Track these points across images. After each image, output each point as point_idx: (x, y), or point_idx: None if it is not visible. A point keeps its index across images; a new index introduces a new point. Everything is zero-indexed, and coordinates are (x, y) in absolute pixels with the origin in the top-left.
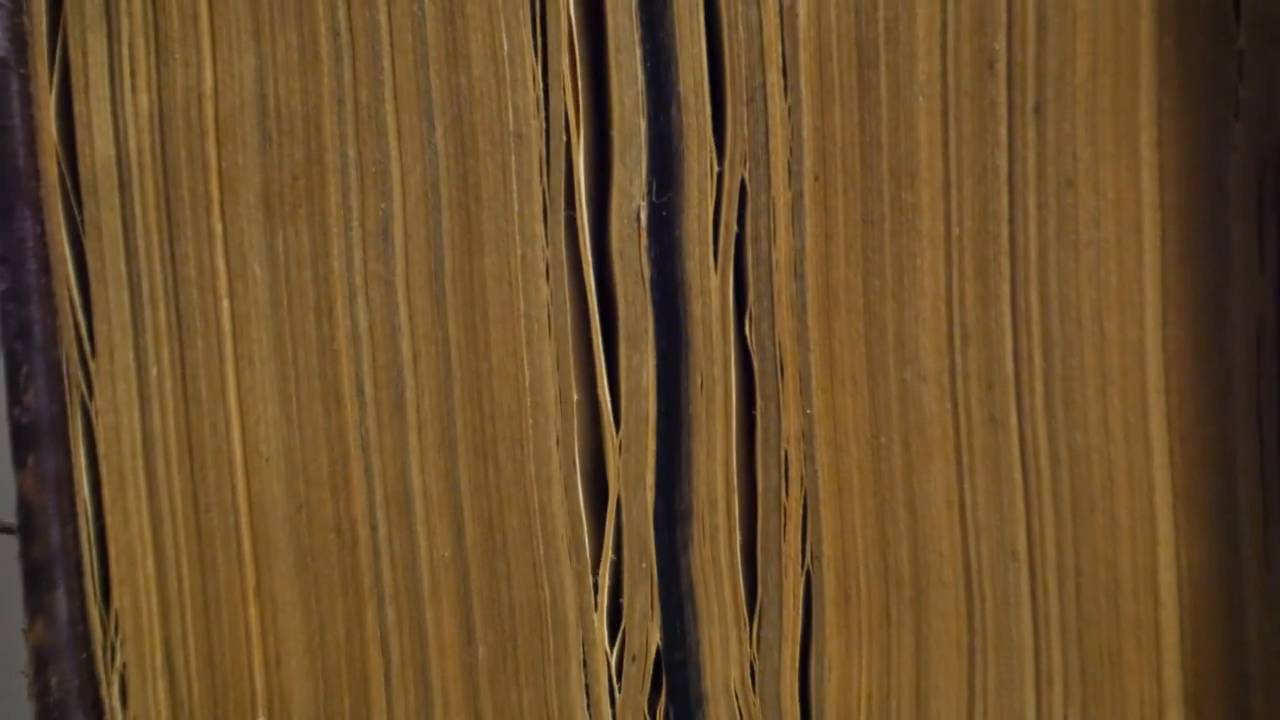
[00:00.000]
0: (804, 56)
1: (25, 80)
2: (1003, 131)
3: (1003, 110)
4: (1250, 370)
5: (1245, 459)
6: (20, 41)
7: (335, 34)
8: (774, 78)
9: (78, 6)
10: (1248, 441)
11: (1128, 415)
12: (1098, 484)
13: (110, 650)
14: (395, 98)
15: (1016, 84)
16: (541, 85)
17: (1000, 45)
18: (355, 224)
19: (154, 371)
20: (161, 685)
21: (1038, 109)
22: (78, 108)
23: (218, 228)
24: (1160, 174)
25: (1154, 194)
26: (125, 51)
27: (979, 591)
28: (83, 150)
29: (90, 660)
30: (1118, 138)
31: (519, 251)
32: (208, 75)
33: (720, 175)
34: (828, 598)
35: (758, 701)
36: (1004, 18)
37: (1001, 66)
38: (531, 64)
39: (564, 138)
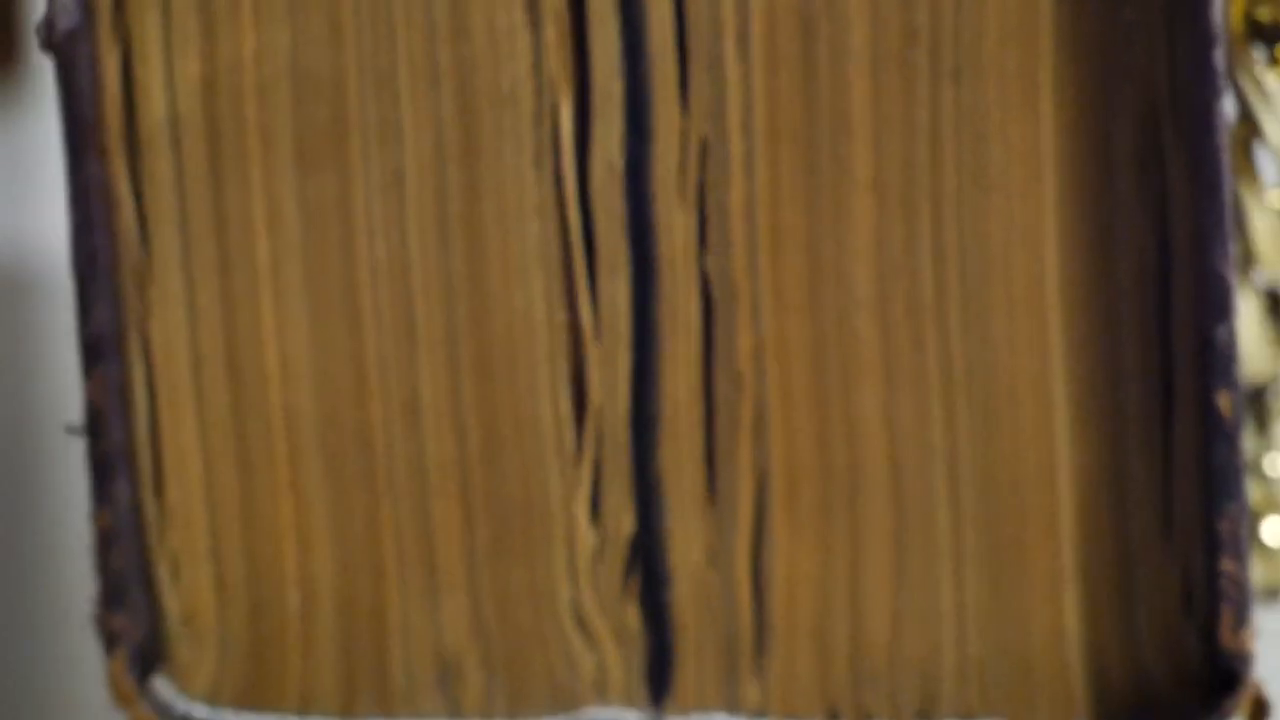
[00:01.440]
0: (755, 29)
1: (93, 48)
2: (924, 93)
3: (925, 75)
4: (1135, 294)
5: (1132, 370)
6: (89, 16)
7: (357, 12)
8: (730, 48)
9: None
10: (1134, 355)
11: (1031, 335)
12: (1004, 395)
13: (162, 535)
14: (409, 66)
15: (936, 52)
16: (532, 55)
17: (923, 19)
18: (374, 173)
19: (201, 298)
20: (207, 567)
21: (955, 74)
22: (137, 72)
23: (256, 175)
24: (1057, 129)
25: (1052, 146)
26: (177, 25)
27: (905, 487)
28: (141, 109)
29: (145, 544)
30: (1023, 98)
31: (513, 196)
32: (248, 46)
33: (685, 131)
34: (775, 492)
35: (716, 578)
36: None
37: (924, 37)
38: (524, 37)
39: (552, 99)
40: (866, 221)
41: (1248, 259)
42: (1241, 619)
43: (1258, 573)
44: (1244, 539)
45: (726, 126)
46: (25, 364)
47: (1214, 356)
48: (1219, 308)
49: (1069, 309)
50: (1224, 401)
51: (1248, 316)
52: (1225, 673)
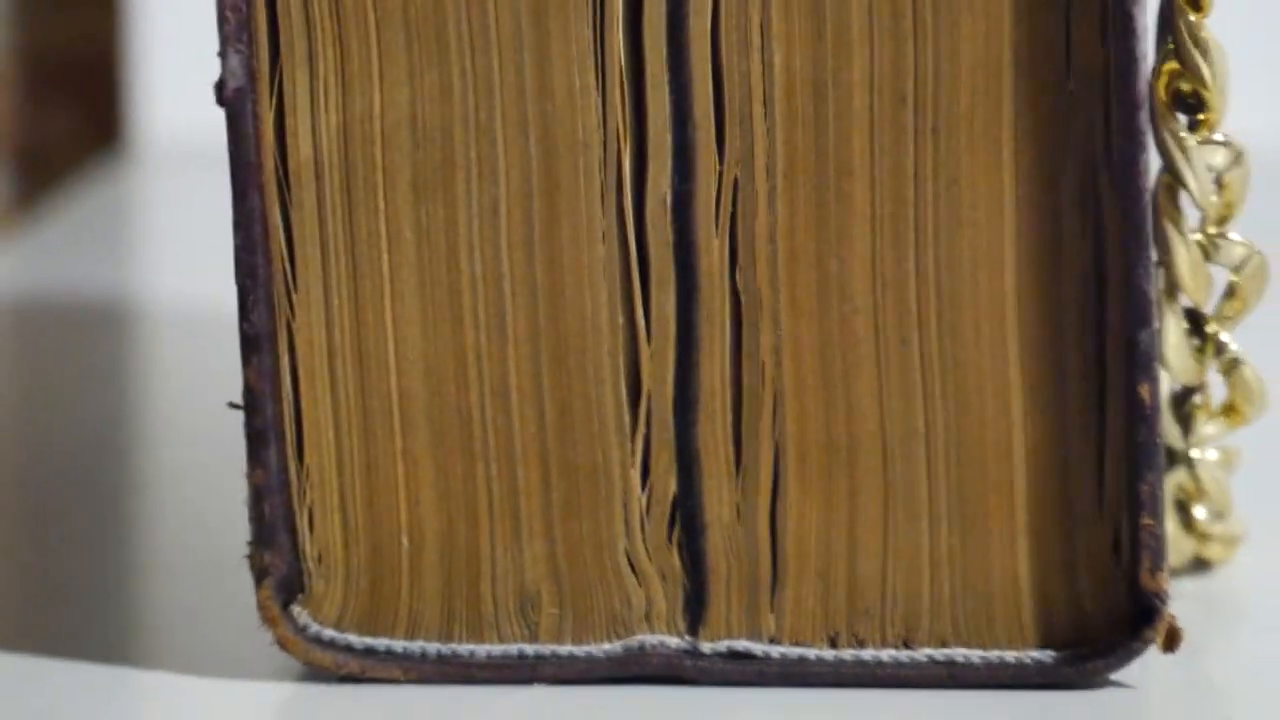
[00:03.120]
0: (777, 94)
1: (254, 102)
2: (910, 145)
3: (911, 131)
4: (1076, 307)
5: (1073, 367)
6: (251, 75)
7: (462, 74)
8: (758, 108)
9: (289, 52)
10: (1075, 355)
11: (993, 339)
12: (972, 386)
13: (302, 492)
14: (503, 118)
15: (920, 113)
16: (601, 112)
17: (909, 86)
18: (475, 203)
19: (336, 302)
20: (336, 518)
21: (934, 130)
22: (289, 122)
23: (380, 205)
24: (1016, 176)
25: (1012, 189)
26: (320, 85)
27: (892, 457)
28: (291, 152)
29: (289, 498)
30: (988, 151)
31: (584, 223)
32: (376, 102)
33: (720, 173)
34: (789, 461)
35: (741, 530)
36: (912, 67)
37: (910, 101)
38: (594, 97)
39: (616, 147)
40: (864, 245)
41: (1173, 286)
42: (1158, 564)
43: (1188, 547)
44: (1160, 501)
45: (754, 170)
46: (131, 378)
47: (1138, 355)
48: (1141, 316)
49: (1024, 319)
50: (1145, 391)
51: (1173, 331)
52: (1146, 608)
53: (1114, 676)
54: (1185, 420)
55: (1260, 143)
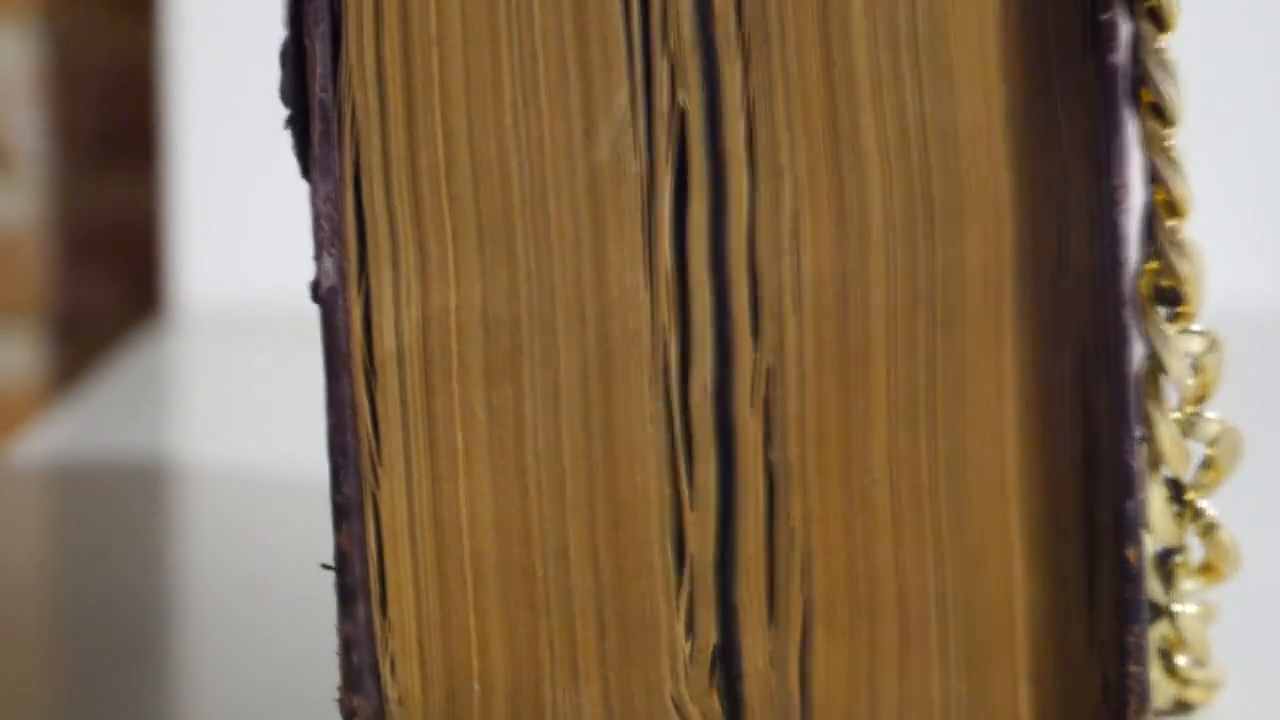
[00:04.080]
0: (806, 292)
1: (345, 298)
2: (923, 337)
3: (924, 324)
4: (1070, 481)
5: (1067, 534)
6: (343, 278)
7: (528, 275)
8: (789, 305)
9: (375, 254)
10: (1069, 523)
11: (995, 508)
12: (977, 550)
13: (386, 642)
14: (564, 311)
15: (932, 309)
16: (650, 307)
17: (924, 286)
18: (538, 387)
19: (415, 475)
20: (415, 665)
21: (945, 325)
22: (374, 316)
23: (455, 389)
24: (1015, 364)
25: (1012, 376)
26: (403, 282)
27: (908, 612)
28: (376, 342)
29: (374, 648)
30: (991, 342)
31: (636, 405)
32: (452, 298)
33: (756, 362)
34: (817, 615)
35: (774, 676)
36: (924, 268)
37: (923, 298)
38: (645, 293)
39: (664, 339)
40: (881, 425)
41: (1156, 459)
42: (1143, 706)
43: (1171, 691)
44: (1145, 650)
45: (784, 358)
46: (173, 537)
47: (1125, 522)
48: (1128, 488)
49: (1023, 490)
50: (1131, 555)
51: (1156, 499)
52: None
53: None
54: (1167, 577)
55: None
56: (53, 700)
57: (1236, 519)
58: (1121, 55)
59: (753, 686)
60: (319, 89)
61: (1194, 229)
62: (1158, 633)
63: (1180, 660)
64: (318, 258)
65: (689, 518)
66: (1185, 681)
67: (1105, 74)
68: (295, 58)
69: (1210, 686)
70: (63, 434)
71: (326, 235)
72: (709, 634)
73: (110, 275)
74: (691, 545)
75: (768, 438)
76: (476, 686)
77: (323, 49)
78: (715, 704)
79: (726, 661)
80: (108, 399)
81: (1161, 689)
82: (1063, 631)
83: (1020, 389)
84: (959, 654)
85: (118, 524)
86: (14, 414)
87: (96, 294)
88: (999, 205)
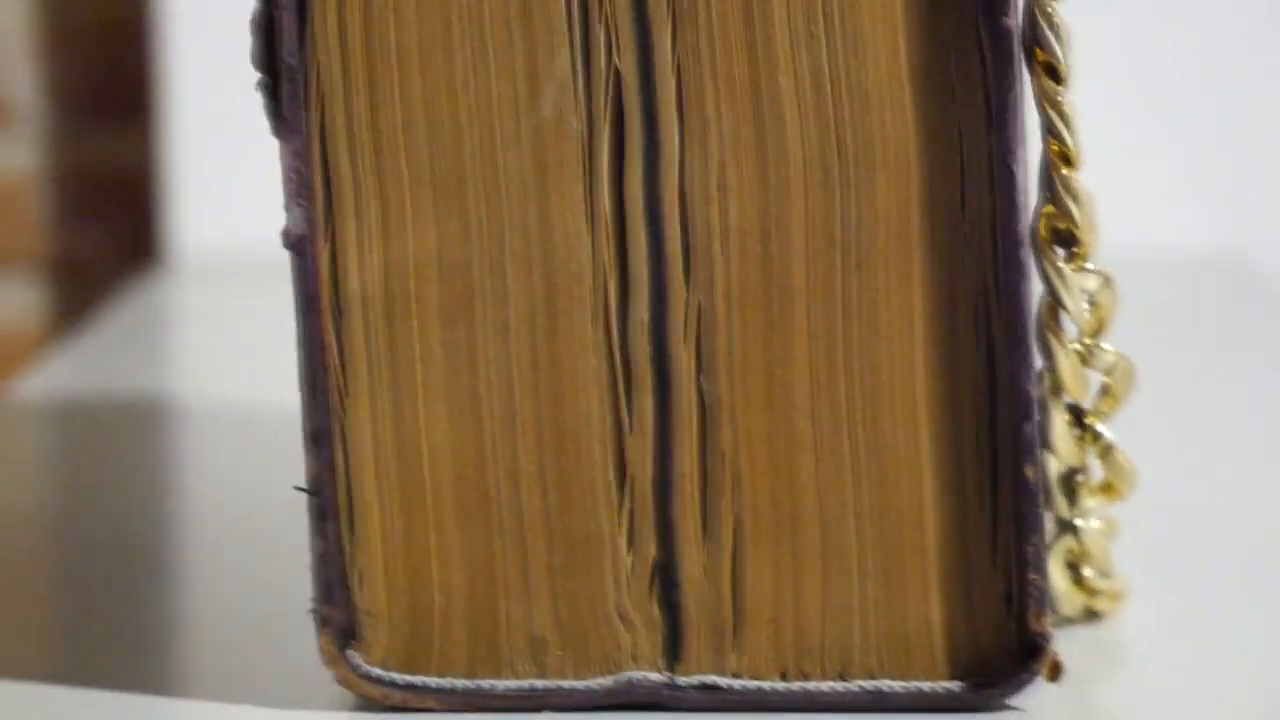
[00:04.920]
0: (733, 236)
1: (313, 245)
2: (839, 277)
3: (839, 266)
4: (974, 407)
5: (971, 455)
6: (310, 224)
7: (479, 220)
8: (717, 248)
9: (340, 205)
10: (971, 446)
11: (907, 431)
12: (890, 469)
13: (354, 557)
14: (512, 254)
15: (847, 250)
16: (591, 249)
17: (837, 230)
18: (489, 324)
19: (379, 405)
20: (381, 579)
21: (858, 265)
22: (340, 260)
23: (415, 327)
24: (923, 300)
25: (920, 311)
26: (366, 231)
27: (828, 527)
28: (342, 284)
29: (344, 563)
30: (900, 280)
31: (579, 339)
32: (410, 243)
33: (687, 299)
34: (746, 529)
35: (709, 586)
36: (839, 215)
37: (838, 241)
38: (586, 238)
39: (604, 279)
40: (802, 356)
41: (1057, 387)
42: (1041, 610)
43: (1079, 600)
44: (1043, 560)
45: (714, 297)
46: (170, 472)
47: (1022, 443)
48: (1025, 411)
49: (931, 414)
50: (1030, 472)
51: (1058, 423)
52: (1033, 647)
53: (1011, 702)
54: (1071, 495)
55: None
56: (55, 625)
57: (1139, 440)
58: (1014, 20)
59: (689, 596)
60: (286, 55)
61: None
62: (1063, 546)
63: (1086, 572)
64: (288, 208)
65: (629, 442)
66: (1092, 592)
67: (999, 36)
68: (265, 26)
69: (1115, 596)
70: (60, 374)
71: (295, 188)
72: (648, 548)
73: (106, 224)
74: (632, 467)
75: (699, 369)
76: (437, 598)
77: (290, 18)
78: (655, 612)
79: (664, 573)
80: (104, 341)
81: (1070, 599)
82: (969, 543)
83: (928, 323)
84: (875, 564)
85: (113, 457)
86: (13, 357)
87: (93, 242)
88: (905, 155)
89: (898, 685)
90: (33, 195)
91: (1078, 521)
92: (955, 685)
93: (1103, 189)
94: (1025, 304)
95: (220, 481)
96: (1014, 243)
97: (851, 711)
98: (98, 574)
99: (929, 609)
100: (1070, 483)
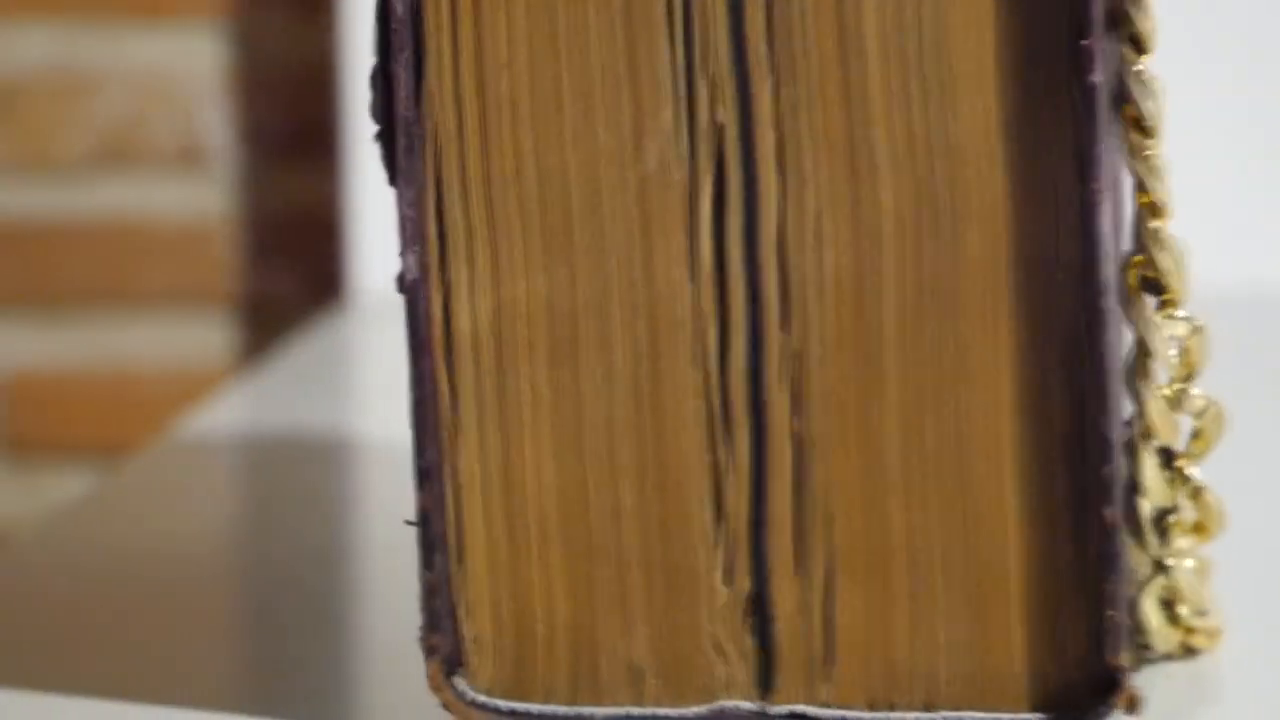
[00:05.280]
0: (828, 284)
1: (427, 289)
2: (931, 324)
3: (931, 313)
4: (1061, 450)
5: (1060, 496)
6: (425, 271)
7: (586, 269)
8: (812, 296)
9: (454, 251)
10: (1061, 487)
11: (995, 474)
12: (978, 511)
13: (462, 589)
14: (618, 301)
15: (937, 298)
16: (692, 298)
17: (928, 279)
18: (596, 368)
19: (488, 444)
20: (488, 610)
21: (950, 314)
22: (452, 305)
23: (524, 369)
24: (1013, 347)
25: (1009, 358)
26: (478, 276)
27: (916, 565)
28: (454, 327)
29: (452, 594)
30: (991, 328)
31: (681, 385)
32: (521, 289)
33: (784, 346)
34: (838, 567)
35: (800, 620)
36: (931, 264)
37: (928, 289)
38: (687, 287)
39: (703, 326)
40: (893, 401)
41: (1148, 431)
42: (1119, 646)
43: (1175, 637)
44: (1122, 597)
45: (809, 342)
46: (345, 503)
47: (1103, 486)
48: (1107, 456)
49: (1019, 459)
50: (1109, 515)
51: (1149, 465)
52: (1111, 680)
53: None
54: (1163, 534)
55: None
56: (237, 654)
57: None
58: (1099, 76)
59: (783, 629)
60: (403, 109)
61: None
62: (1158, 585)
63: (1182, 610)
64: (402, 254)
65: (726, 481)
66: (1188, 629)
67: (1086, 92)
68: (383, 81)
69: (1213, 634)
70: (243, 408)
71: (409, 235)
72: (744, 583)
73: (293, 264)
74: (728, 505)
75: (794, 411)
76: (541, 628)
77: (406, 74)
78: (749, 644)
79: (759, 607)
80: (286, 377)
81: (1166, 636)
82: (1053, 582)
83: (1015, 369)
84: (962, 602)
85: (293, 489)
86: (203, 394)
87: (280, 282)
88: (995, 208)
89: (981, 716)
90: (223, 237)
91: (1169, 561)
92: (1038, 717)
93: (1215, 227)
94: (1109, 351)
95: (390, 513)
96: (1098, 292)
97: None
98: (272, 605)
99: (1012, 645)
100: (1162, 523)
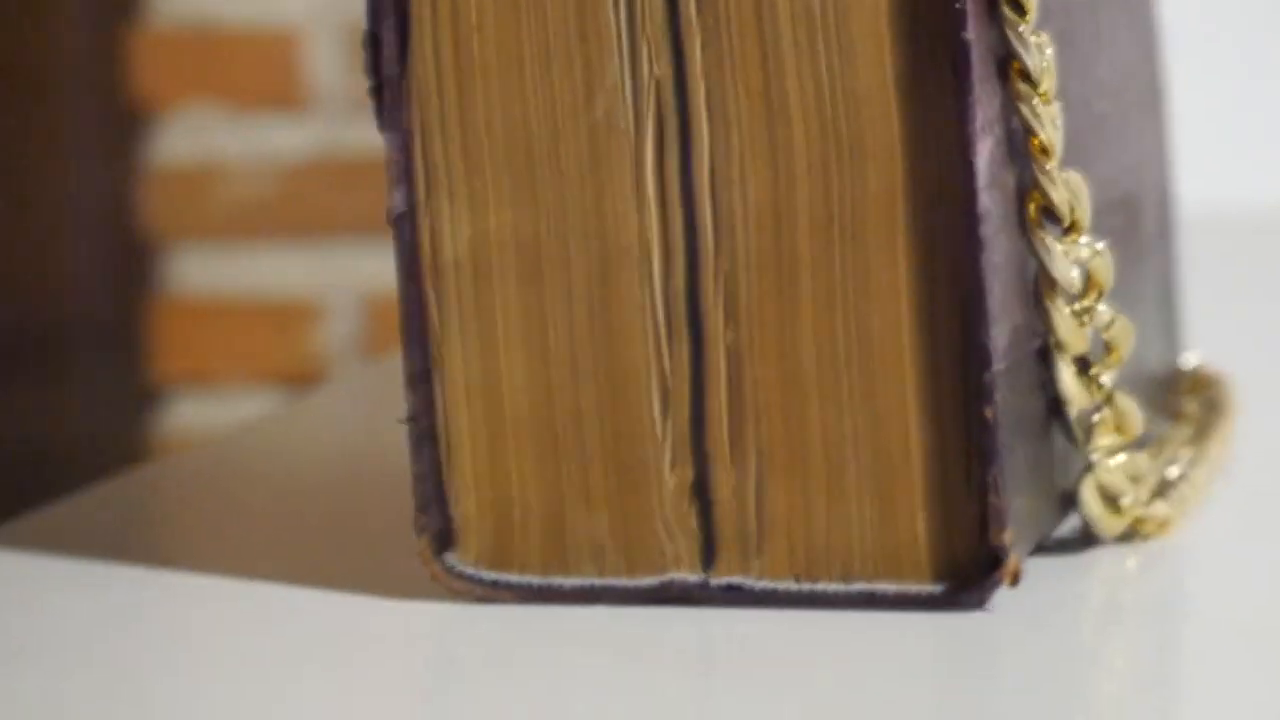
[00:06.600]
0: (751, 214)
1: (414, 221)
2: (836, 247)
3: (836, 238)
4: (950, 356)
5: (949, 397)
6: (411, 204)
7: (547, 202)
8: (739, 224)
9: (435, 189)
10: (950, 389)
11: (895, 377)
12: (882, 409)
13: (450, 477)
14: (575, 228)
15: (842, 225)
16: (639, 225)
17: (835, 208)
18: (558, 286)
19: (468, 352)
20: (471, 495)
21: (853, 237)
22: (436, 235)
23: (497, 289)
24: (907, 267)
25: (905, 276)
26: (458, 209)
27: (832, 457)
28: (439, 253)
29: (440, 481)
30: (887, 250)
31: (630, 299)
32: (492, 220)
33: (716, 267)
34: (766, 458)
35: (735, 504)
36: (836, 195)
37: (835, 217)
38: (634, 215)
39: (648, 250)
40: (808, 313)
41: (1060, 344)
42: (1002, 526)
43: (1118, 524)
44: (1003, 485)
45: (737, 265)
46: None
47: (984, 388)
48: (985, 362)
49: (915, 364)
50: (989, 413)
51: (1065, 373)
52: (995, 557)
53: (986, 603)
54: (1087, 433)
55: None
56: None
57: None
58: (972, 34)
59: (721, 512)
60: (389, 67)
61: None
62: (1093, 479)
63: (1125, 501)
64: (390, 191)
65: (670, 384)
66: (1139, 519)
67: (961, 48)
68: (372, 43)
69: (1163, 524)
70: None
71: (396, 174)
72: (687, 473)
73: None
74: (673, 405)
75: (727, 324)
76: (517, 511)
77: (392, 37)
78: (693, 525)
79: (701, 493)
80: None
81: (1109, 523)
82: (947, 472)
83: (911, 288)
84: (870, 489)
85: None
86: None
87: None
88: (891, 148)
89: (890, 587)
90: None
91: (1094, 457)
92: (937, 587)
93: None
94: (988, 271)
95: None
96: (976, 220)
97: (851, 608)
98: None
99: (916, 525)
100: (1087, 422)
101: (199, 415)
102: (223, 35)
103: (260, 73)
